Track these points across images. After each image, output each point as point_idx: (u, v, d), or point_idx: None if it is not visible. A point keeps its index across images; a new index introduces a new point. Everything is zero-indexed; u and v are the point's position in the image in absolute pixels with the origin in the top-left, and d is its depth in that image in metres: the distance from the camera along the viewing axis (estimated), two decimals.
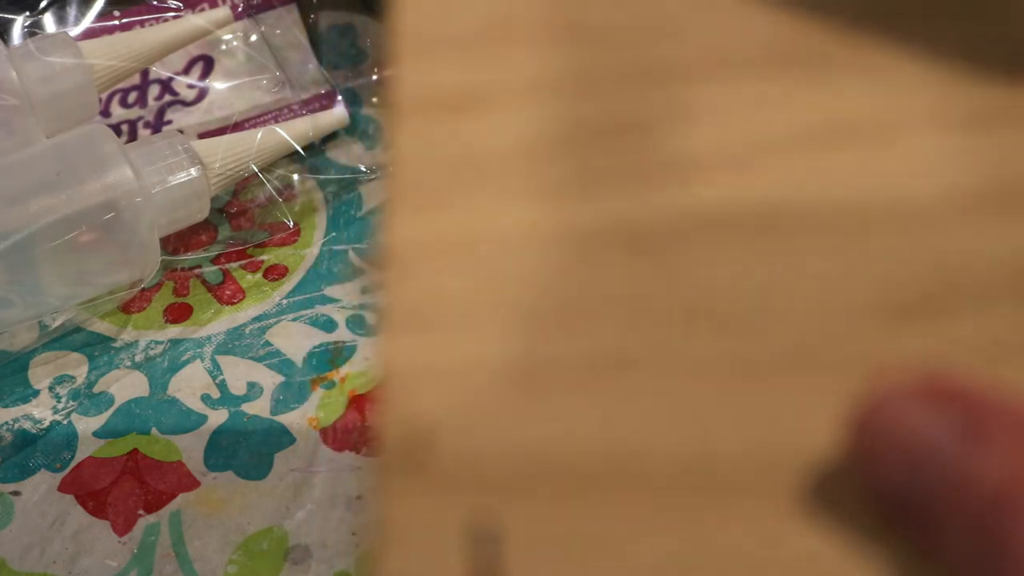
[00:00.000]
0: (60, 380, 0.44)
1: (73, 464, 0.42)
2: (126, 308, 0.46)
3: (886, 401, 0.16)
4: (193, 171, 0.44)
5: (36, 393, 0.44)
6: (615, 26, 0.21)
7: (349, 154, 0.50)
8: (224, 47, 0.53)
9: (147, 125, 0.51)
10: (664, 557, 0.17)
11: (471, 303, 0.19)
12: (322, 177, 0.50)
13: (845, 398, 0.17)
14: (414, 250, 0.19)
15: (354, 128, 0.51)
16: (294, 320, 0.45)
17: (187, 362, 0.44)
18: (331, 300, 0.46)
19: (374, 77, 0.53)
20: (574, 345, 0.18)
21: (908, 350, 0.18)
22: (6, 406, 0.43)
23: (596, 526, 0.17)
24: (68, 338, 0.45)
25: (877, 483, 0.16)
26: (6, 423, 0.43)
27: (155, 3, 0.53)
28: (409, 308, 0.19)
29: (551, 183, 0.19)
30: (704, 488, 0.17)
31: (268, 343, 0.45)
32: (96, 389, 0.44)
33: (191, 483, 0.41)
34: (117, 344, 0.45)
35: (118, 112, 0.51)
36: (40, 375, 0.44)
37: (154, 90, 0.52)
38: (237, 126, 0.50)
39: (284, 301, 0.46)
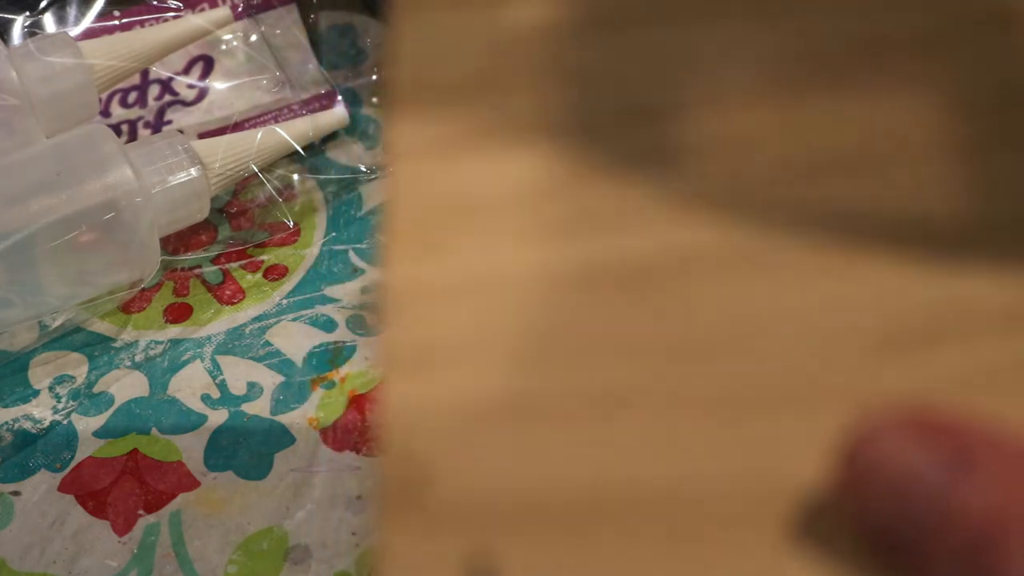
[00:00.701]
0: (60, 380, 0.44)
1: (73, 464, 0.42)
2: (126, 308, 0.46)
3: (874, 434, 0.16)
4: (193, 171, 0.44)
5: (36, 393, 0.44)
6: (607, 69, 0.21)
7: (349, 154, 0.50)
8: (224, 47, 0.53)
9: (147, 125, 0.51)
10: None
11: (468, 343, 0.19)
12: (322, 177, 0.50)
13: (834, 432, 0.17)
14: (413, 291, 0.19)
15: (354, 128, 0.51)
16: (294, 320, 0.45)
17: (187, 362, 0.44)
18: (331, 300, 0.46)
19: (374, 77, 0.53)
20: (569, 383, 0.18)
21: (896, 383, 0.18)
22: (6, 406, 0.43)
23: (592, 562, 0.17)
24: (68, 338, 0.45)
25: (866, 516, 0.16)
26: (6, 423, 0.43)
27: (155, 3, 0.53)
28: (408, 347, 0.19)
29: (546, 224, 0.20)
30: (696, 522, 0.17)
31: (268, 343, 0.45)
32: (96, 389, 0.44)
33: (191, 483, 0.41)
34: (117, 344, 0.45)
35: (118, 112, 0.51)
36: (40, 375, 0.44)
37: (154, 90, 0.52)
38: (237, 126, 0.50)
39: (284, 301, 0.46)
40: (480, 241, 0.20)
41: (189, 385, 0.44)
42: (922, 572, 0.16)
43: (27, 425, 0.43)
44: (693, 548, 0.17)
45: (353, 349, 0.44)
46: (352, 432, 0.42)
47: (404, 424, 0.18)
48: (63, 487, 0.41)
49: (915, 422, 0.16)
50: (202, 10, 0.53)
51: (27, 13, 0.52)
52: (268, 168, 0.48)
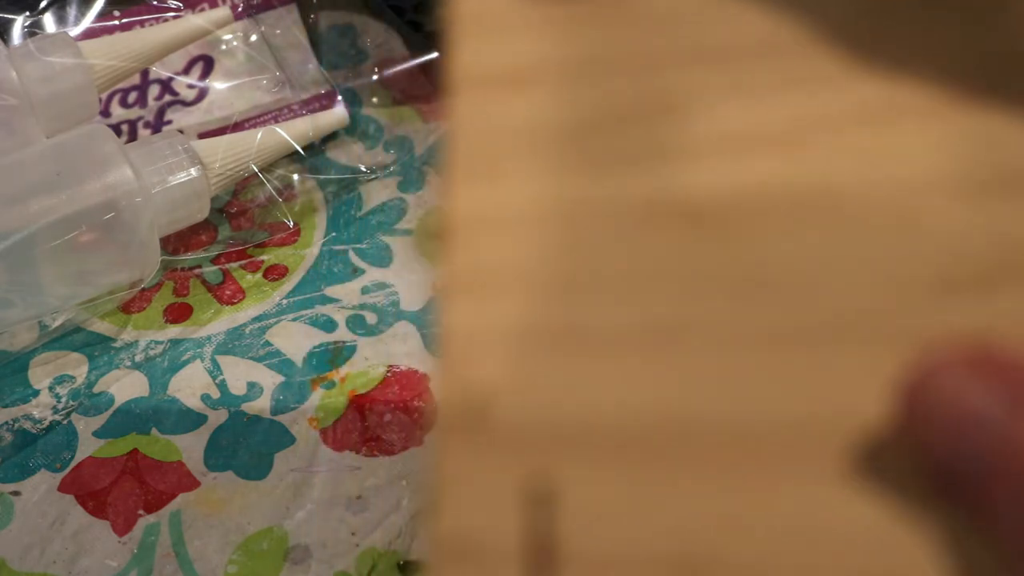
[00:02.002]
0: (60, 380, 0.44)
1: (73, 464, 0.42)
2: (126, 308, 0.46)
3: (935, 371, 0.16)
4: (193, 171, 0.44)
5: (36, 393, 0.44)
6: (670, 7, 0.21)
7: (349, 154, 0.50)
8: (224, 47, 0.53)
9: (147, 125, 0.51)
10: (714, 520, 0.17)
11: (528, 271, 0.19)
12: (322, 177, 0.50)
13: (894, 369, 0.17)
14: (472, 218, 0.20)
15: (354, 128, 0.51)
16: (294, 320, 0.45)
17: (187, 362, 0.44)
18: (331, 300, 0.46)
19: (374, 77, 0.53)
20: (628, 313, 0.19)
21: (957, 322, 0.18)
22: (6, 406, 0.43)
23: (647, 489, 0.17)
24: (68, 338, 0.45)
25: (926, 452, 0.16)
26: (6, 423, 0.43)
27: (155, 3, 0.53)
28: (467, 275, 0.19)
29: (609, 156, 0.20)
30: (753, 454, 0.17)
31: (268, 343, 0.45)
32: (96, 389, 0.44)
33: (191, 483, 0.41)
34: (117, 344, 0.45)
35: (118, 112, 0.51)
36: (40, 375, 0.44)
37: (154, 90, 0.52)
38: (237, 126, 0.50)
39: (284, 301, 0.46)
40: (541, 170, 0.20)
41: (189, 385, 0.44)
42: (982, 509, 0.16)
43: (27, 425, 0.43)
44: (750, 479, 0.17)
45: (353, 349, 0.44)
46: (352, 432, 0.42)
47: (462, 349, 0.19)
48: (63, 487, 0.41)
49: (976, 359, 0.16)
50: (202, 10, 0.53)
51: (27, 13, 0.52)
52: (268, 168, 0.48)
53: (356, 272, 0.47)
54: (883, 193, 0.19)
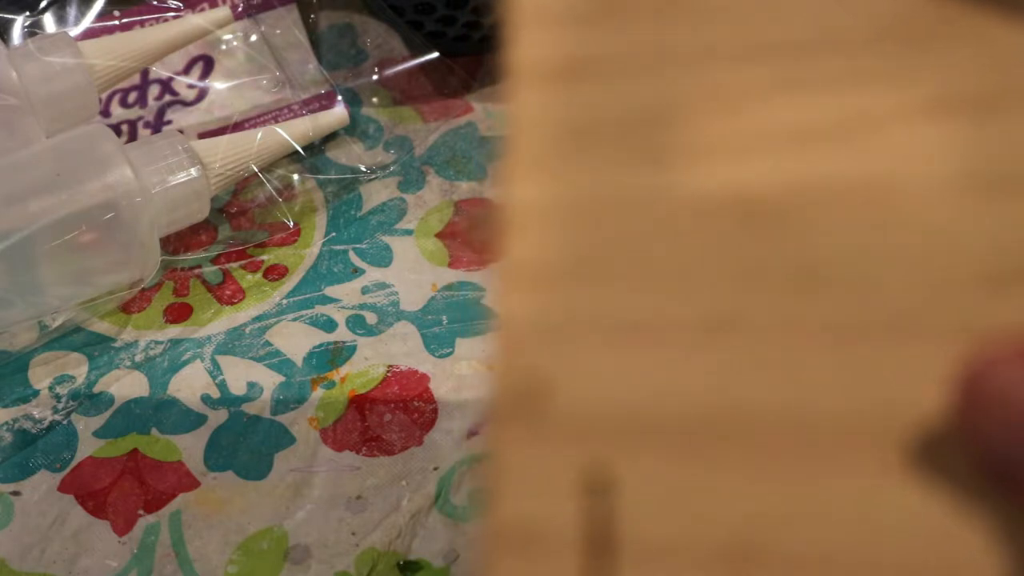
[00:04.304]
0: (60, 380, 0.44)
1: (73, 464, 0.42)
2: (126, 308, 0.46)
3: (991, 365, 0.16)
4: (193, 171, 0.44)
5: (36, 393, 0.44)
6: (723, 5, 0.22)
7: (349, 154, 0.50)
8: (224, 47, 0.53)
9: (147, 125, 0.51)
10: (768, 510, 0.17)
11: (582, 262, 0.19)
12: (322, 177, 0.50)
13: (949, 363, 0.17)
14: (531, 210, 0.20)
15: (354, 128, 0.51)
16: (294, 320, 0.45)
17: (187, 362, 0.44)
18: (331, 300, 0.46)
19: (374, 77, 0.53)
20: (682, 305, 0.19)
21: (1011, 317, 0.18)
22: (6, 406, 0.43)
23: (702, 479, 0.17)
24: (68, 338, 0.45)
25: (982, 446, 0.16)
26: (6, 423, 0.43)
27: (155, 3, 0.53)
28: (525, 264, 0.19)
29: (663, 151, 0.20)
30: (809, 445, 0.17)
31: (268, 343, 0.45)
32: (96, 389, 0.44)
33: (191, 483, 0.41)
34: (117, 344, 0.45)
35: (118, 112, 0.51)
36: (40, 375, 0.44)
37: (154, 90, 0.52)
38: (237, 126, 0.50)
39: (284, 301, 0.46)
40: (596, 163, 0.20)
41: (189, 385, 0.44)
42: None
43: (27, 425, 0.43)
44: (805, 470, 0.17)
45: (353, 349, 0.44)
46: (352, 432, 0.42)
47: (519, 338, 0.19)
48: (63, 487, 0.41)
49: None
50: (202, 10, 0.53)
51: (27, 13, 0.52)
52: (268, 168, 0.48)
53: (356, 272, 0.47)
54: (934, 188, 0.19)
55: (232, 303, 0.46)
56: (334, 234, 0.48)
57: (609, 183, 0.20)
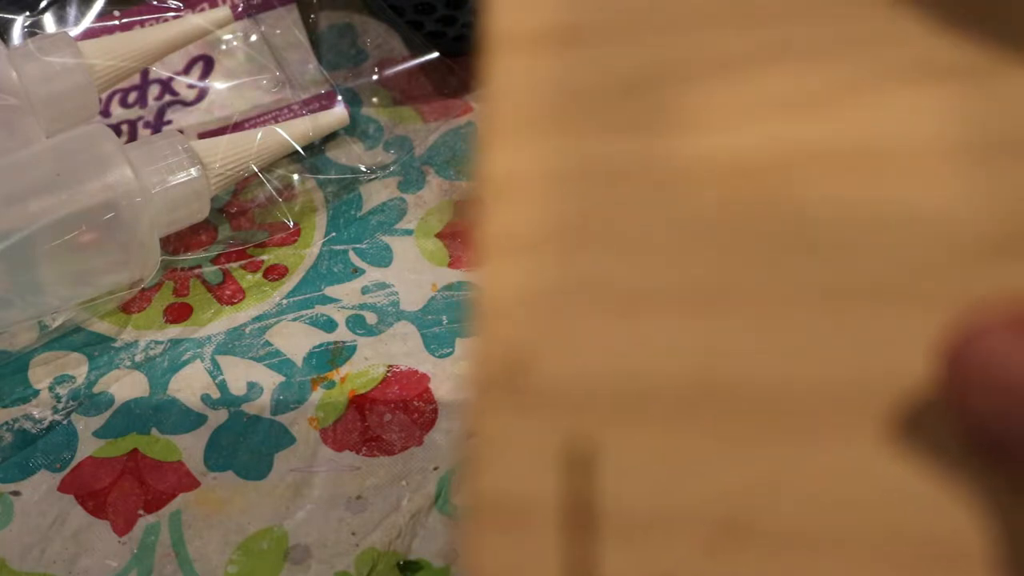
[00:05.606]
0: (60, 380, 0.44)
1: (73, 464, 0.42)
2: (126, 308, 0.46)
3: (978, 334, 0.16)
4: (193, 171, 0.44)
5: (36, 393, 0.44)
6: None
7: (349, 154, 0.50)
8: (224, 47, 0.53)
9: (147, 125, 0.51)
10: (754, 481, 0.17)
11: (565, 232, 0.19)
12: (322, 177, 0.50)
13: (939, 330, 0.17)
14: (511, 179, 0.19)
15: (354, 128, 0.51)
16: (294, 320, 0.45)
17: (187, 362, 0.44)
18: (331, 300, 0.46)
19: (374, 77, 0.53)
20: (667, 274, 0.18)
21: (1005, 285, 0.17)
22: (6, 406, 0.43)
23: (688, 450, 0.17)
24: (68, 338, 0.45)
25: (969, 414, 0.16)
26: (6, 423, 0.43)
27: (155, 3, 0.53)
28: (504, 236, 0.19)
29: (647, 117, 0.20)
30: (796, 415, 0.17)
31: (268, 343, 0.45)
32: (96, 389, 0.44)
33: (191, 483, 0.41)
34: (117, 344, 0.45)
35: (118, 112, 0.51)
36: (40, 375, 0.44)
37: (154, 90, 0.52)
38: (237, 126, 0.50)
39: (284, 301, 0.46)
40: (580, 130, 0.20)
41: (189, 385, 0.44)
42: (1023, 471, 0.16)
43: (27, 425, 0.43)
44: (789, 440, 0.17)
45: (353, 349, 0.44)
46: (352, 432, 0.42)
47: (501, 310, 0.18)
48: (63, 487, 0.41)
49: (1020, 321, 0.16)
50: (202, 10, 0.53)
51: (27, 13, 0.52)
52: (268, 168, 0.48)
53: (356, 272, 0.47)
54: (925, 154, 0.19)
55: (232, 303, 0.46)
56: (334, 234, 0.48)
57: (594, 151, 0.20)
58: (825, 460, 0.17)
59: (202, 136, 0.50)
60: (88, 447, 0.42)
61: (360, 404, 0.43)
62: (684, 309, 0.18)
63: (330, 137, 0.50)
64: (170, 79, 0.52)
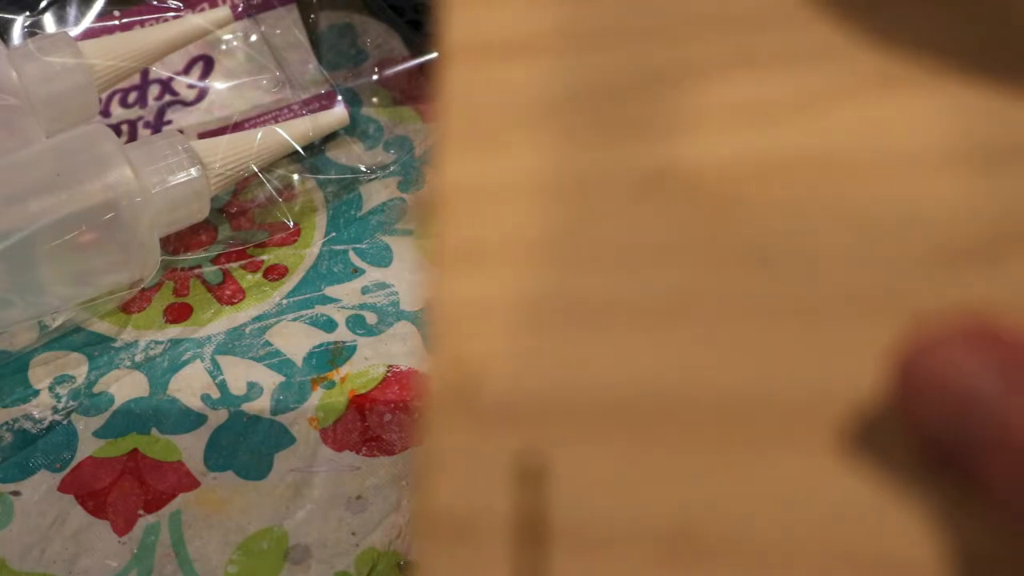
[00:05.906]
0: (60, 380, 0.44)
1: (73, 464, 0.42)
2: (126, 308, 0.46)
3: (930, 346, 0.16)
4: (193, 171, 0.44)
5: (36, 393, 0.44)
6: None
7: (349, 154, 0.50)
8: (224, 47, 0.53)
9: (147, 125, 0.51)
10: (709, 496, 0.17)
11: (524, 243, 0.19)
12: (322, 177, 0.50)
13: (893, 342, 0.17)
14: (465, 190, 0.19)
15: (354, 128, 0.51)
16: (294, 320, 0.45)
17: (187, 362, 0.44)
18: (331, 300, 0.46)
19: (374, 77, 0.53)
20: (625, 287, 0.18)
21: (959, 295, 0.17)
22: (6, 406, 0.43)
23: (642, 464, 0.17)
24: (68, 338, 0.45)
25: (920, 426, 0.16)
26: (6, 423, 0.43)
27: (155, 3, 0.53)
28: (460, 248, 0.19)
29: (603, 127, 0.20)
30: (750, 429, 0.17)
31: (268, 343, 0.45)
32: (96, 389, 0.44)
33: (191, 483, 0.41)
34: (117, 344, 0.45)
35: (118, 112, 0.51)
36: (40, 375, 0.44)
37: (154, 90, 0.52)
38: (237, 126, 0.50)
39: (284, 301, 0.46)
40: (540, 141, 0.20)
41: (189, 385, 0.44)
42: (977, 484, 0.16)
43: (27, 425, 0.43)
44: (743, 454, 0.17)
45: (353, 349, 0.44)
46: (352, 432, 0.42)
47: (455, 323, 0.18)
48: (63, 487, 0.41)
49: (972, 333, 0.16)
50: (202, 10, 0.53)
51: (27, 13, 0.52)
52: (268, 168, 0.48)
53: (356, 272, 0.47)
54: (886, 164, 0.19)
55: (232, 303, 0.46)
56: (334, 234, 0.48)
57: (552, 162, 0.19)
58: (778, 474, 0.17)
59: (202, 136, 0.50)
60: (88, 447, 0.42)
61: (360, 404, 0.43)
62: (640, 323, 0.18)
63: (330, 137, 0.50)
64: (170, 79, 0.52)
